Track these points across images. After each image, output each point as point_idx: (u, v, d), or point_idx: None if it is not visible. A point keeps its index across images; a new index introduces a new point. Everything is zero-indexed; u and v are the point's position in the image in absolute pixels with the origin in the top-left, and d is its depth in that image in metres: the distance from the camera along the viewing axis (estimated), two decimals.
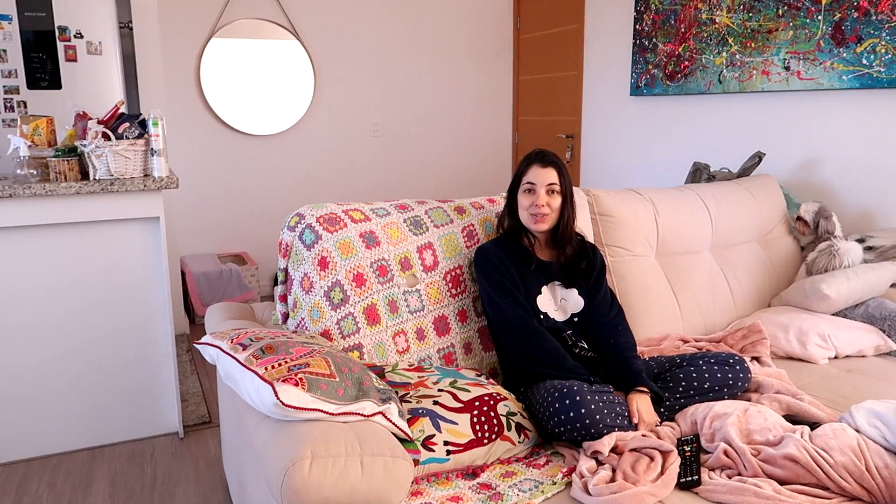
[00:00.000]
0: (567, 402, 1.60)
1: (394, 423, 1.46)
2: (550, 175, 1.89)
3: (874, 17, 2.66)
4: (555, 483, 1.50)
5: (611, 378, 1.82)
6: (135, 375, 2.59)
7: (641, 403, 1.69)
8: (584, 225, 2.31)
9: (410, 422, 1.55)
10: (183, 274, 4.00)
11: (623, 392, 1.76)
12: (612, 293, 2.02)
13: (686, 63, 3.53)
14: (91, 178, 2.37)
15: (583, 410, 1.58)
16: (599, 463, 1.54)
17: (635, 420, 1.66)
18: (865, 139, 2.81)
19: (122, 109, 2.67)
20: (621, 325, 1.94)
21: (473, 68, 5.02)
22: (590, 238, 2.31)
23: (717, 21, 3.33)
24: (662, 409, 1.77)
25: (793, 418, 1.72)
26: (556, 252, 1.98)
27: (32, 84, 3.11)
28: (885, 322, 2.30)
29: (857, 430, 1.55)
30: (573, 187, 1.99)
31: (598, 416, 1.58)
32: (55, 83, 3.14)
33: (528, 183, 1.91)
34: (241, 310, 2.17)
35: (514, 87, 5.15)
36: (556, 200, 1.90)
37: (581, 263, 1.96)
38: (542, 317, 1.90)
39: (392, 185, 4.93)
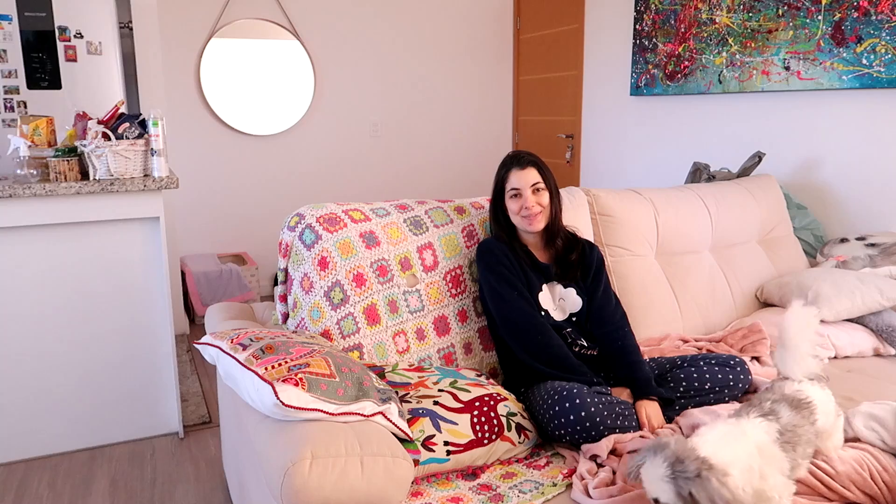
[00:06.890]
0: (567, 404, 1.60)
1: (394, 423, 1.46)
2: (531, 175, 1.89)
3: (874, 17, 2.65)
4: (555, 485, 1.50)
5: (615, 378, 1.83)
6: (135, 375, 2.58)
7: (650, 410, 1.70)
8: (583, 225, 2.30)
9: (410, 422, 1.55)
10: (183, 274, 4.00)
11: (626, 389, 1.78)
12: (616, 296, 2.01)
13: (686, 63, 3.53)
14: (91, 178, 2.37)
15: (583, 413, 1.58)
16: (599, 465, 1.54)
17: (645, 428, 1.67)
18: (865, 139, 2.80)
19: (122, 109, 2.67)
20: (627, 326, 1.93)
21: (473, 68, 5.02)
22: (590, 238, 2.31)
23: (717, 21, 3.33)
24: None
25: None
26: (551, 252, 1.99)
27: (32, 84, 3.11)
28: (882, 333, 2.29)
29: (857, 437, 1.55)
30: (557, 185, 1.98)
31: (598, 418, 1.58)
32: (55, 83, 3.14)
33: (512, 189, 1.90)
34: (241, 310, 2.17)
35: (514, 87, 5.14)
36: (545, 197, 1.90)
37: (571, 255, 1.96)
38: (543, 314, 1.90)
39: (392, 185, 4.93)
